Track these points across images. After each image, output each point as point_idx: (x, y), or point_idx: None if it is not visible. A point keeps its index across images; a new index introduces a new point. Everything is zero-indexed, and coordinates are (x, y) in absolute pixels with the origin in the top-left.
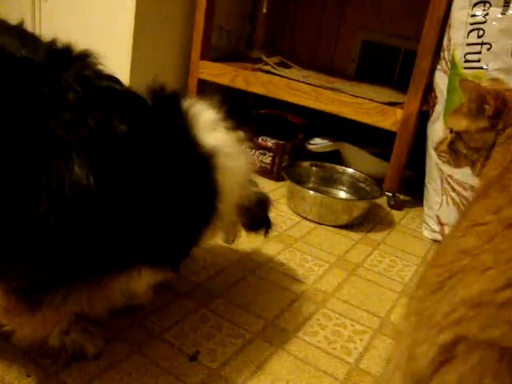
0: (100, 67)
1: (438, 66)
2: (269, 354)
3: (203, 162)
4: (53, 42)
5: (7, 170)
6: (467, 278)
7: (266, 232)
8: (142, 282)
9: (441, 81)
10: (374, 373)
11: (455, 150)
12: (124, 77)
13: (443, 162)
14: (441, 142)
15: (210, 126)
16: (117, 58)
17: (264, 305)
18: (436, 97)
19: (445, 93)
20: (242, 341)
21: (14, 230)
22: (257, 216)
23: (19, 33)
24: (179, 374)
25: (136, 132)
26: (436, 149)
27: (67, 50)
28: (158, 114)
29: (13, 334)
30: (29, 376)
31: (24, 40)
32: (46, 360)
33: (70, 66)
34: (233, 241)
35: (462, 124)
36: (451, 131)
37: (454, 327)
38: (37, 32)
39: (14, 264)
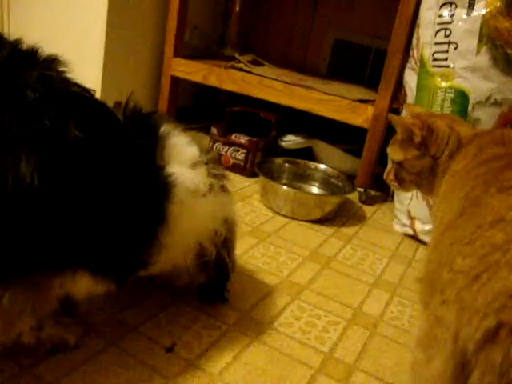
0: (67, 73)
1: (408, 64)
2: (245, 345)
3: (157, 186)
4: (18, 42)
5: None
6: (501, 271)
7: (212, 299)
8: (81, 287)
9: (410, 78)
10: (347, 361)
11: (401, 178)
12: (96, 74)
13: (394, 189)
14: (388, 173)
15: (184, 159)
16: (89, 55)
17: (239, 297)
18: (406, 94)
19: (414, 90)
20: (218, 332)
21: None
22: (210, 276)
23: None
24: (156, 365)
25: (91, 140)
26: (385, 178)
27: (33, 51)
28: (122, 128)
29: None
30: (2, 371)
31: None
32: (21, 355)
33: (34, 67)
34: (186, 287)
35: (399, 154)
36: (393, 162)
37: (497, 314)
38: (5, 30)
39: None
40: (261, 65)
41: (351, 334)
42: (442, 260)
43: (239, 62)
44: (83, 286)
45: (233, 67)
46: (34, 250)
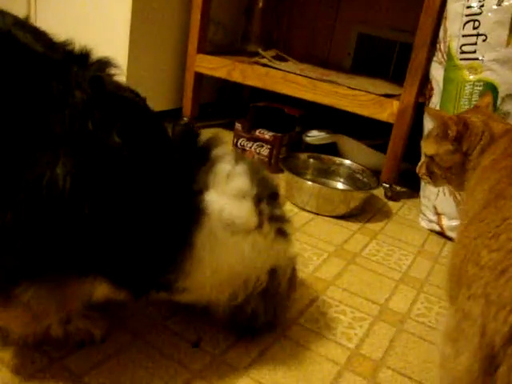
0: (117, 75)
1: (434, 58)
2: (271, 341)
3: (186, 210)
4: (68, 43)
5: None
6: None
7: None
8: (99, 293)
9: (437, 72)
10: (373, 358)
11: (431, 172)
12: (120, 71)
13: (426, 183)
14: (420, 166)
15: (228, 189)
16: (113, 54)
17: None
18: (432, 88)
19: (441, 84)
20: None
21: None
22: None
23: (33, 30)
24: (182, 360)
25: (131, 149)
26: (418, 172)
27: (86, 53)
28: (167, 143)
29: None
30: (34, 363)
31: (38, 37)
32: (51, 347)
33: (88, 68)
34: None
35: (431, 148)
36: (425, 155)
37: None
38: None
39: None
40: (284, 60)
41: (378, 330)
42: (467, 254)
43: (263, 57)
44: (101, 292)
45: (256, 63)
46: (57, 251)
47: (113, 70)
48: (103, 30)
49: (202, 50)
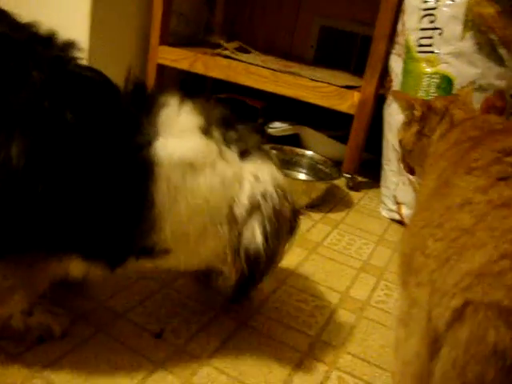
0: (80, 58)
1: (393, 50)
2: (233, 330)
3: (137, 164)
4: (32, 25)
5: None
6: (468, 253)
7: (236, 300)
8: (76, 269)
9: (396, 64)
10: (334, 344)
11: (407, 163)
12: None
13: (409, 175)
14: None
15: (175, 129)
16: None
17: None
18: (392, 80)
19: (400, 76)
20: (206, 318)
21: None
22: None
23: None
24: (145, 351)
25: (82, 126)
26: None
27: (50, 35)
28: (117, 107)
29: None
30: None
31: (1, 17)
32: (8, 343)
33: (50, 49)
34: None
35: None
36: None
37: (463, 293)
38: None
39: None
40: (247, 52)
41: (338, 317)
42: (415, 243)
43: (225, 49)
44: (76, 269)
45: (219, 54)
46: (19, 230)
47: (77, 53)
48: (62, 19)
49: (164, 41)
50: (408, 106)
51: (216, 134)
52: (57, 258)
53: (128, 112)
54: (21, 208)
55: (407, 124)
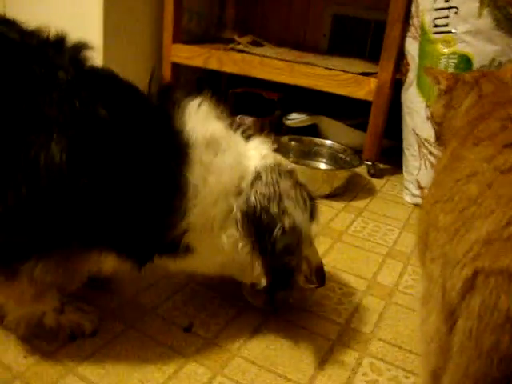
0: (92, 58)
1: (409, 33)
2: (261, 321)
3: (173, 153)
4: (40, 30)
5: None
6: (477, 222)
7: (274, 286)
8: (107, 264)
9: (412, 47)
10: (364, 331)
11: (439, 136)
12: (96, 64)
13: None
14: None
15: (196, 117)
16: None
17: None
18: (408, 64)
19: (416, 59)
20: (234, 310)
21: None
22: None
23: (2, 20)
24: (175, 345)
25: (115, 118)
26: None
27: (61, 38)
28: (146, 102)
29: (8, 315)
30: (26, 358)
31: (11, 26)
32: (43, 341)
33: (64, 51)
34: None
35: (429, 111)
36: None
37: (473, 262)
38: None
39: None
40: (260, 45)
41: (367, 304)
42: (429, 219)
43: (238, 43)
44: (109, 264)
45: (232, 49)
46: (61, 225)
47: (88, 53)
48: (75, 22)
49: (177, 39)
50: (435, 80)
51: (226, 121)
52: (94, 253)
53: (155, 106)
54: (66, 203)
55: (437, 97)
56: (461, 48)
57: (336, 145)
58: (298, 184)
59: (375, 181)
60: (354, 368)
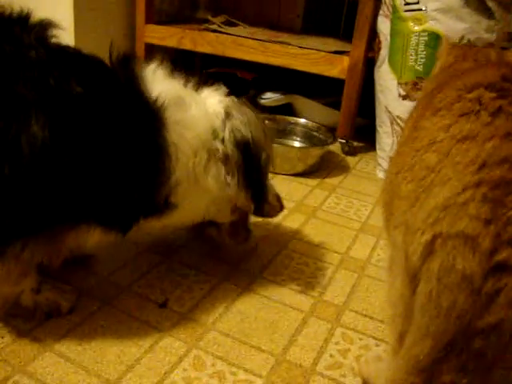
0: (57, 36)
1: (380, 12)
2: (236, 295)
3: (147, 118)
4: (2, 7)
5: None
6: (435, 189)
7: (259, 198)
8: (93, 238)
9: (383, 26)
10: (336, 303)
11: None
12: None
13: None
14: None
15: (157, 80)
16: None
17: (227, 251)
18: (380, 42)
19: (388, 37)
20: (209, 285)
21: None
22: (244, 165)
23: None
24: (151, 320)
25: (90, 93)
26: None
27: (26, 16)
28: (112, 74)
29: None
30: (3, 337)
31: None
32: (19, 320)
33: (30, 29)
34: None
35: None
36: None
37: (432, 228)
38: None
39: None
40: (235, 25)
41: (339, 277)
42: (393, 189)
43: (212, 23)
44: (95, 236)
45: (206, 29)
46: (50, 205)
47: (54, 31)
48: (46, 3)
49: (150, 20)
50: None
51: (181, 78)
52: (82, 227)
53: (122, 76)
54: (52, 180)
55: None
56: (431, 26)
57: (310, 123)
58: (256, 113)
59: (349, 158)
60: (327, 338)
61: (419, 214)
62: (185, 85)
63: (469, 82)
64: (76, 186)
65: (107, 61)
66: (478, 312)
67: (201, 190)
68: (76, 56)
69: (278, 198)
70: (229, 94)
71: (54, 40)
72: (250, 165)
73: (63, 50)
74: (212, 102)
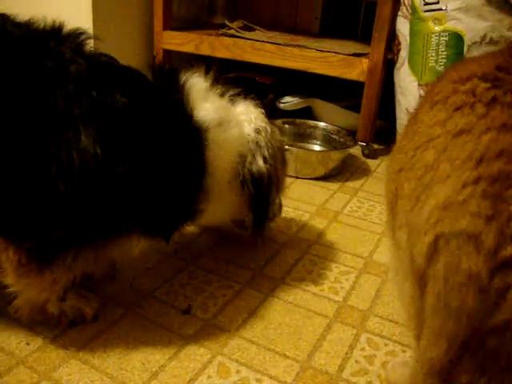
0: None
1: (399, 13)
2: (259, 301)
3: (194, 138)
4: (33, 22)
5: (18, 141)
6: (435, 188)
7: (261, 220)
8: (138, 246)
9: (403, 27)
10: (361, 308)
11: None
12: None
13: None
14: None
15: (201, 97)
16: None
17: (250, 257)
18: (399, 43)
19: (408, 38)
20: (232, 292)
21: (28, 195)
22: (254, 196)
23: None
24: (174, 327)
25: (135, 104)
26: None
27: (58, 27)
28: (156, 88)
29: (15, 299)
30: (28, 344)
31: (5, 20)
32: (45, 328)
33: (64, 40)
34: (245, 226)
35: None
36: None
37: (434, 228)
38: None
39: (28, 226)
40: (252, 30)
41: (364, 282)
42: (395, 188)
43: (230, 28)
44: (140, 245)
45: (224, 34)
46: (102, 216)
47: (86, 39)
48: (65, 11)
49: (168, 26)
50: None
51: (217, 91)
52: (129, 237)
53: (163, 88)
54: (105, 193)
55: None
56: (452, 25)
57: (330, 126)
58: (280, 141)
59: (370, 161)
60: (352, 344)
61: (421, 214)
62: (221, 97)
63: (464, 74)
64: (126, 199)
65: (147, 72)
66: (489, 310)
67: (222, 203)
68: (114, 67)
69: (280, 207)
70: (259, 106)
71: (88, 48)
72: (258, 197)
73: (101, 59)
74: (246, 121)
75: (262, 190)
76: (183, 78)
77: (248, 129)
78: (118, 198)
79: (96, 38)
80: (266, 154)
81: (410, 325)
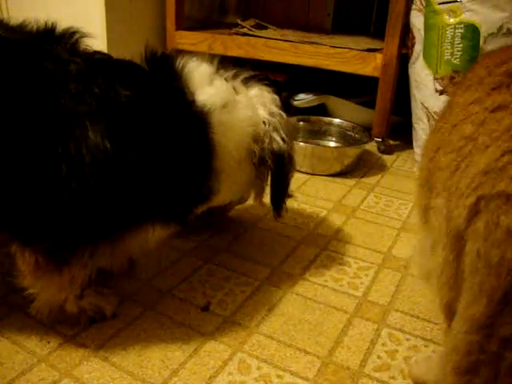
0: (86, 44)
1: (413, 6)
2: (278, 298)
3: (197, 122)
4: (26, 24)
5: (27, 145)
6: (475, 157)
7: (280, 198)
8: (155, 235)
9: (417, 20)
10: (381, 303)
11: None
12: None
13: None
14: None
15: (203, 82)
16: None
17: (268, 253)
18: (414, 37)
19: (422, 32)
20: (251, 288)
21: (41, 198)
22: (275, 174)
23: None
24: (194, 324)
25: (137, 96)
26: None
27: (50, 28)
28: (154, 77)
29: (34, 300)
30: (49, 342)
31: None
32: (64, 326)
33: (59, 42)
34: (259, 200)
35: None
36: None
37: (475, 192)
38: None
39: (42, 227)
40: (264, 28)
41: (383, 277)
42: (433, 165)
43: (242, 27)
44: (157, 234)
45: (237, 33)
46: (117, 209)
47: (80, 38)
48: (78, 13)
49: (180, 26)
50: None
51: (225, 75)
52: (145, 228)
53: (161, 76)
54: (119, 187)
55: None
56: (467, 17)
57: (345, 123)
58: (292, 124)
59: (386, 157)
60: (373, 339)
61: (462, 180)
62: (234, 79)
63: (498, 59)
64: (139, 189)
65: (140, 62)
66: None
67: (234, 182)
68: (111, 61)
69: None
70: (272, 91)
71: (83, 47)
72: (279, 175)
73: (96, 56)
74: (259, 103)
75: (282, 168)
76: (180, 63)
77: (262, 111)
78: (131, 189)
79: (89, 36)
80: (283, 134)
81: (441, 293)
